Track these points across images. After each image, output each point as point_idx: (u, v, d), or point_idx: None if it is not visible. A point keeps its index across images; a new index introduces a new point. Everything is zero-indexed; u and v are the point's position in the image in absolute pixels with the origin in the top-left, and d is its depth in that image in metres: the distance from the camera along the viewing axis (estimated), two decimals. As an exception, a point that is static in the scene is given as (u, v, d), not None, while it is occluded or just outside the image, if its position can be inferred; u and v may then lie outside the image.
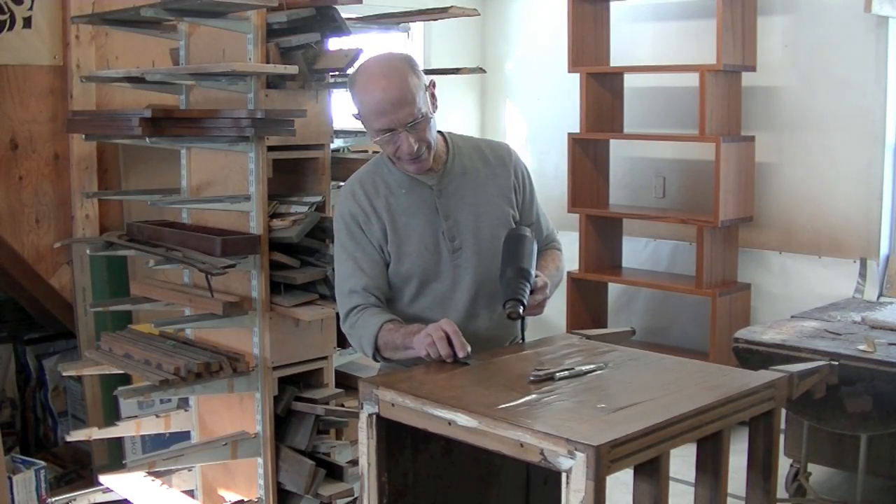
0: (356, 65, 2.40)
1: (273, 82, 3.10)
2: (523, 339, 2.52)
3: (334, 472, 3.15)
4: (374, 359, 2.36)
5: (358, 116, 2.37)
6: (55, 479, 3.88)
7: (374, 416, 2.11)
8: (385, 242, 2.39)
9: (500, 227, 2.43)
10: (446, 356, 2.19)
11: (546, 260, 2.52)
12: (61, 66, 3.82)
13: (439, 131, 2.45)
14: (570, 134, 5.18)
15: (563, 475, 1.74)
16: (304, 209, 3.07)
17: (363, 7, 3.30)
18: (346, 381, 3.29)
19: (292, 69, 2.96)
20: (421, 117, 2.28)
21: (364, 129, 2.42)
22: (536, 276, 2.29)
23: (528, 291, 2.23)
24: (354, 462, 3.06)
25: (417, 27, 5.66)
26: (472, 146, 2.52)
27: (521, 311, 2.21)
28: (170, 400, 3.63)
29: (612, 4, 5.25)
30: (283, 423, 3.20)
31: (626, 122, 5.27)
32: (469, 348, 2.20)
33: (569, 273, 5.24)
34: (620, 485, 2.89)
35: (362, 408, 2.14)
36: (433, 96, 2.37)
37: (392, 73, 2.27)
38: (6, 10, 3.66)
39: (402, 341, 2.26)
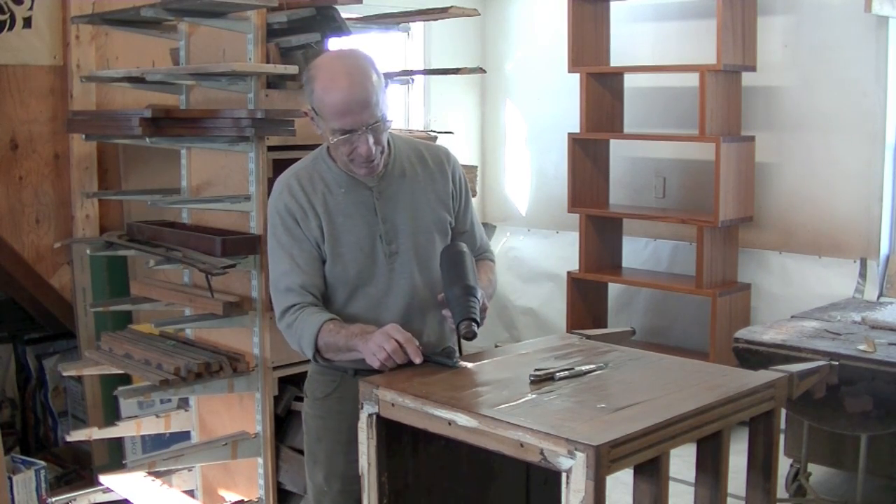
0: (315, 61, 2.30)
1: (273, 82, 3.10)
2: (460, 350, 2.45)
3: (334, 472, 3.14)
4: (314, 359, 2.31)
5: (312, 114, 2.29)
6: (55, 479, 3.88)
7: (374, 416, 2.11)
8: (322, 240, 2.32)
9: (437, 232, 2.39)
10: (402, 361, 2.15)
11: (480, 272, 2.42)
12: (61, 66, 3.82)
13: None
14: (570, 134, 5.18)
15: (563, 475, 1.74)
16: (304, 209, 3.06)
17: (363, 7, 3.30)
18: (346, 381, 3.29)
19: (292, 69, 2.96)
20: (381, 118, 2.22)
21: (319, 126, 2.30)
22: None
23: (478, 308, 2.19)
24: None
25: (417, 27, 5.66)
26: (412, 147, 2.45)
27: (475, 329, 2.17)
28: (170, 400, 3.63)
29: (612, 4, 5.24)
30: (283, 423, 3.19)
31: (626, 122, 5.27)
32: (420, 359, 2.17)
33: (569, 273, 5.25)
34: (620, 485, 2.89)
35: (362, 408, 2.14)
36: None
37: (357, 72, 2.21)
38: (6, 10, 3.66)
39: (345, 343, 2.20)
